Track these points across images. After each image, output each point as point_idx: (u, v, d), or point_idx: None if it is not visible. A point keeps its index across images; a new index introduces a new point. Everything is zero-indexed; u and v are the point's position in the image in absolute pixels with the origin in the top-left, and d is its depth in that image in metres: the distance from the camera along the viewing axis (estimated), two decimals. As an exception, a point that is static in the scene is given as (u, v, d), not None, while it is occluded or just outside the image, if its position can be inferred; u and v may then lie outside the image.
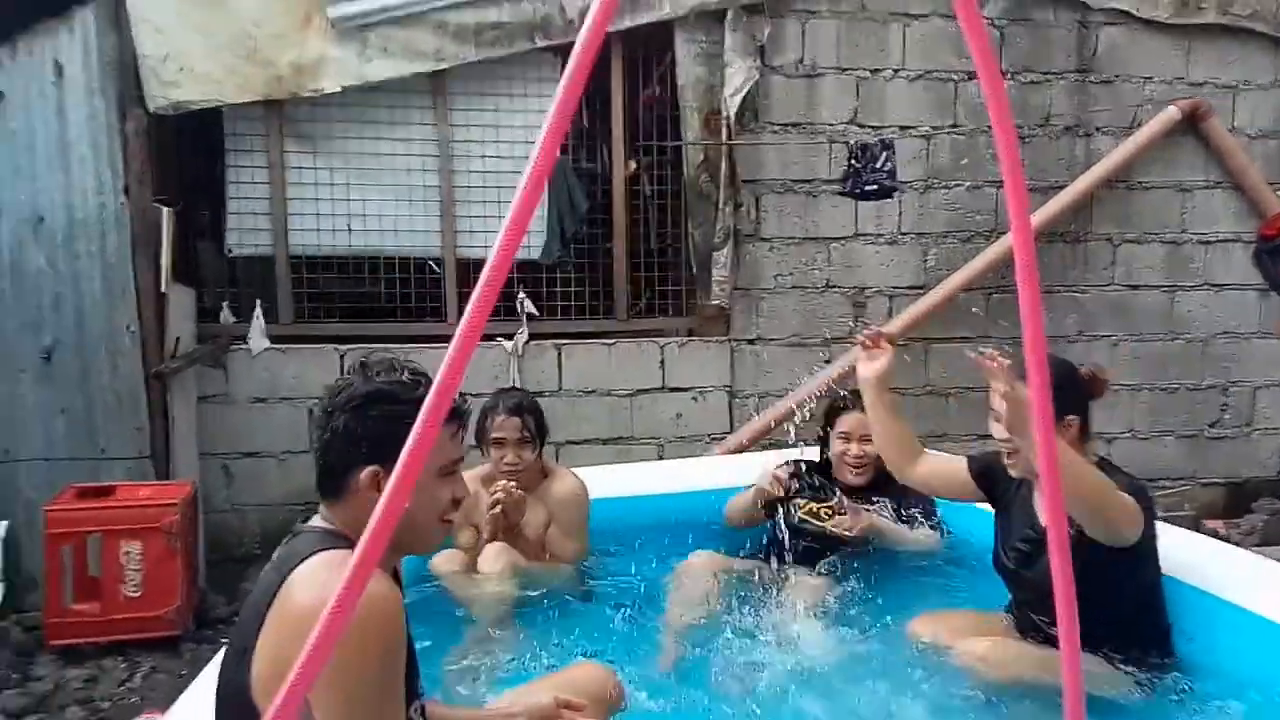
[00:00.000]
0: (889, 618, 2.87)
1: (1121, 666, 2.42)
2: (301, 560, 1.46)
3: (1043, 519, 2.51)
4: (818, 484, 3.37)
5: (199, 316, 4.56)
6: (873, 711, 2.46)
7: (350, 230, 4.72)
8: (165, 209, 4.19)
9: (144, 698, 3.47)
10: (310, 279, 4.77)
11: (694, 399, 5.01)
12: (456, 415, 1.64)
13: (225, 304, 4.65)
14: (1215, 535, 5.02)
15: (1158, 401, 5.46)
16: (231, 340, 4.60)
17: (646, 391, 4.96)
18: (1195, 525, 5.02)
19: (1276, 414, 5.56)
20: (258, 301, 4.60)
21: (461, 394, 1.63)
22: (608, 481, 3.71)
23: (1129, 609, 2.43)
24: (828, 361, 5.04)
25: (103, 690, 3.53)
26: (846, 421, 3.33)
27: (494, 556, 2.93)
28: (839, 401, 3.41)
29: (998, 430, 2.35)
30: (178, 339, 4.26)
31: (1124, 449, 5.43)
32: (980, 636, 2.57)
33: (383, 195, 4.72)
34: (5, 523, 3.97)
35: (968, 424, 5.09)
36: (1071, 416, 2.44)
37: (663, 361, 4.96)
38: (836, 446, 3.35)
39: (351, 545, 1.48)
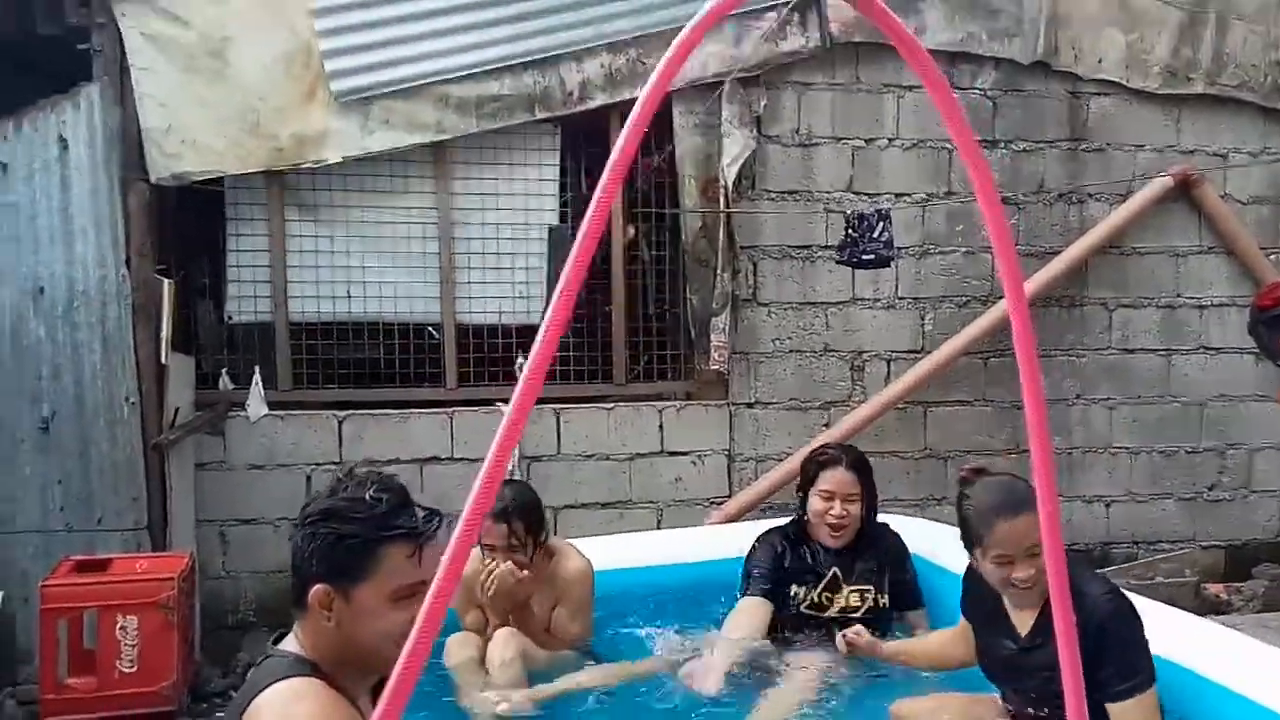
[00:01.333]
0: (880, 701, 2.85)
1: None
2: (266, 686, 1.49)
3: (1022, 629, 2.47)
4: (806, 560, 3.24)
5: (197, 383, 4.57)
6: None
7: (350, 296, 4.74)
8: (166, 281, 4.21)
9: (137, 776, 3.43)
10: (309, 345, 4.78)
11: (693, 463, 5.01)
12: (411, 536, 1.55)
13: (224, 371, 4.65)
14: (1217, 599, 5.02)
15: (1155, 464, 5.47)
16: (230, 407, 4.60)
17: (645, 455, 4.96)
18: (1197, 590, 5.01)
19: (1274, 476, 5.56)
20: (256, 368, 4.61)
21: (429, 512, 1.59)
22: (609, 552, 3.71)
23: None
24: (826, 425, 5.05)
25: (96, 769, 3.48)
26: (831, 479, 3.16)
27: (503, 641, 2.90)
28: (823, 455, 3.26)
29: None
30: (176, 409, 4.26)
31: (1123, 511, 5.43)
32: None
33: (382, 262, 4.75)
34: (0, 594, 3.95)
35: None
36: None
37: (661, 425, 4.97)
38: (816, 505, 3.17)
39: (315, 671, 1.52)
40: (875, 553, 3.31)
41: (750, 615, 3.13)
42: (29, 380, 4.09)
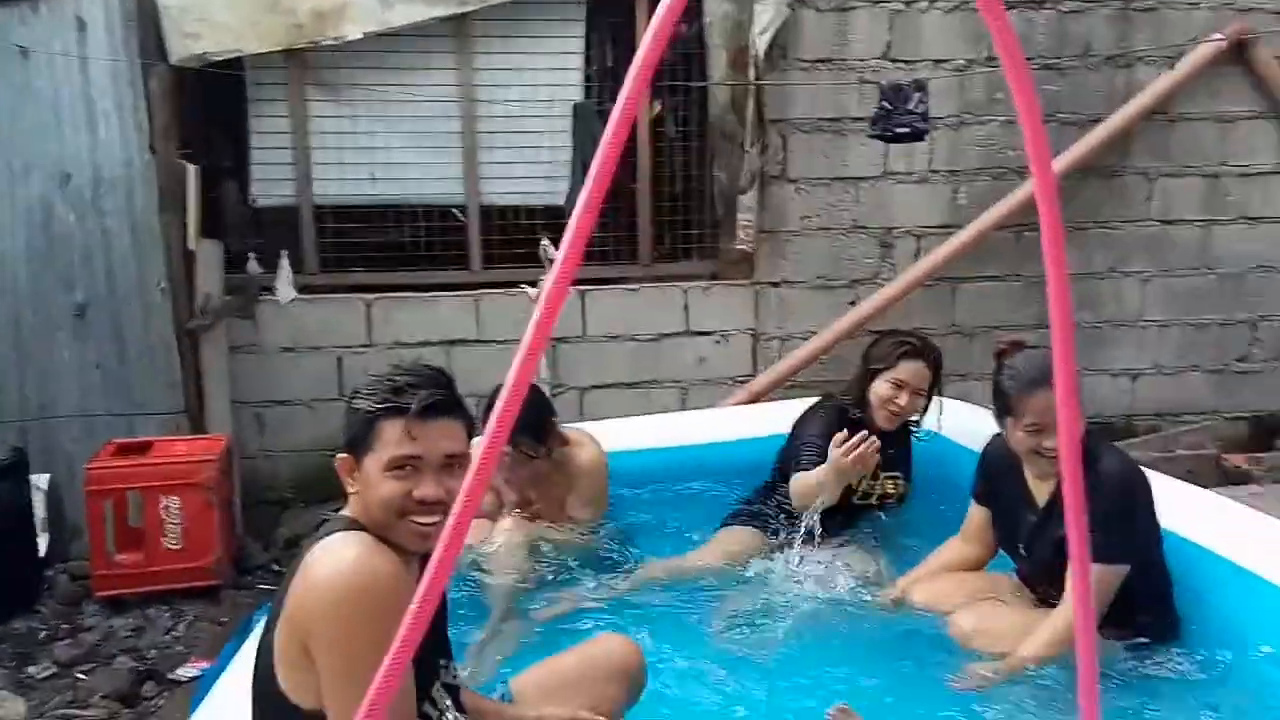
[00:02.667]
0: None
1: (1122, 635, 2.47)
2: (319, 541, 1.63)
3: (1040, 499, 2.55)
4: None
5: (225, 267, 4.58)
6: (869, 684, 2.52)
7: (374, 179, 4.68)
8: (190, 166, 4.17)
9: (189, 646, 3.62)
10: (335, 228, 4.76)
11: (717, 342, 5.01)
12: (400, 412, 1.64)
13: (251, 255, 4.66)
14: (1237, 470, 5.04)
15: (1186, 337, 5.40)
16: (259, 291, 4.63)
17: (670, 336, 4.96)
18: (1218, 461, 5.03)
19: (1308, 347, 5.49)
20: (283, 252, 4.62)
21: (409, 386, 1.67)
22: (627, 434, 3.76)
23: (1129, 579, 2.45)
24: (853, 304, 5.01)
25: (149, 640, 3.66)
26: (909, 370, 3.09)
27: (509, 528, 2.99)
28: (906, 345, 3.15)
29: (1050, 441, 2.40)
30: (207, 294, 4.30)
31: (1149, 384, 5.41)
32: (974, 604, 2.66)
33: (405, 143, 4.66)
34: (47, 476, 4.09)
35: (990, 363, 5.06)
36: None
37: (686, 305, 4.95)
38: (884, 390, 3.09)
39: (365, 530, 1.63)
40: (904, 439, 3.34)
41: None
42: (61, 267, 4.12)
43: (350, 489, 1.70)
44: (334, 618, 1.52)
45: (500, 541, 2.96)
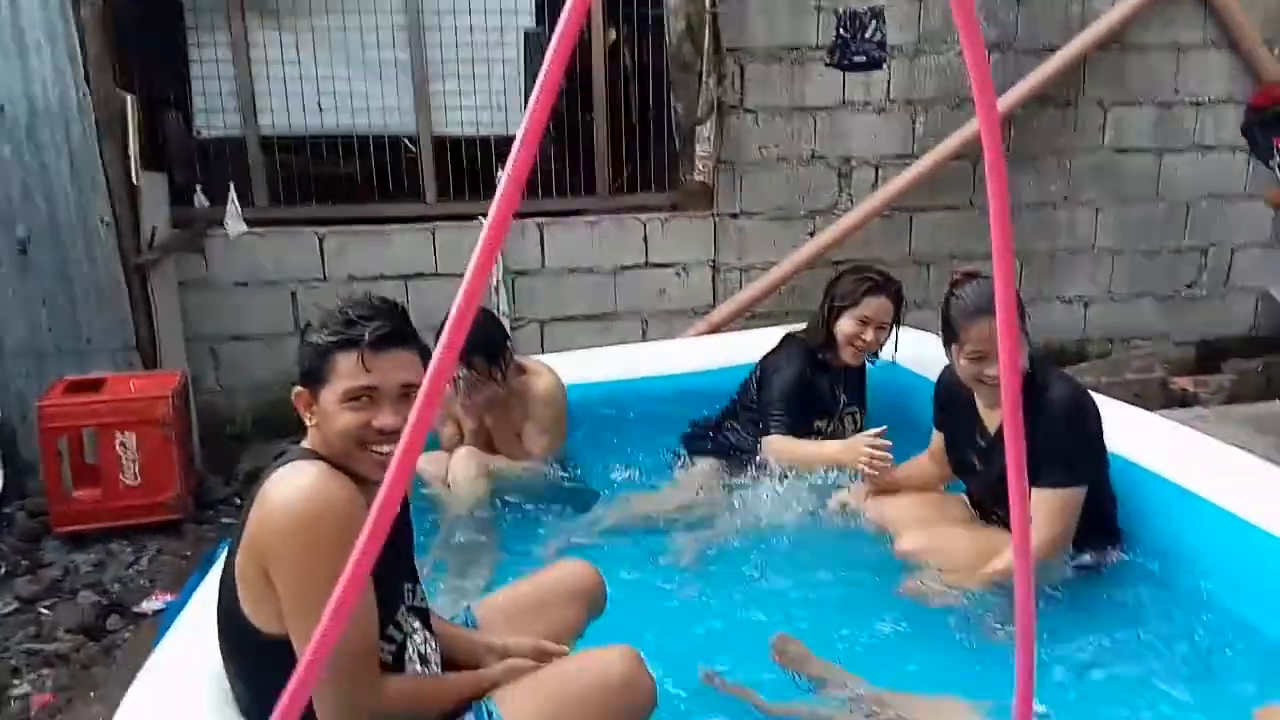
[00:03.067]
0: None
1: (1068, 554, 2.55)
2: (275, 469, 1.65)
3: (990, 426, 2.60)
4: (825, 390, 3.26)
5: (172, 201, 4.48)
6: (823, 602, 2.61)
7: (321, 109, 4.57)
8: (129, 95, 4.04)
9: (153, 580, 3.61)
10: (284, 160, 4.66)
11: (677, 274, 5.01)
12: (354, 343, 1.65)
13: (198, 188, 4.55)
14: (1184, 393, 5.18)
15: (1137, 264, 5.50)
16: (208, 225, 4.54)
17: (629, 268, 4.96)
18: (1165, 384, 5.16)
19: (1253, 274, 5.61)
20: (231, 185, 4.52)
21: (361, 319, 1.67)
22: (588, 366, 3.77)
23: None
24: (811, 234, 5.03)
25: (112, 574, 3.64)
26: (874, 306, 3.13)
27: (463, 459, 3.00)
28: (869, 281, 3.17)
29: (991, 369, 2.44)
30: (154, 228, 4.20)
31: (1100, 310, 5.51)
32: (922, 525, 2.74)
33: (353, 72, 4.55)
34: (-1, 413, 4.03)
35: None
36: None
37: (645, 237, 4.93)
38: (850, 327, 3.13)
39: (320, 459, 1.65)
40: (861, 374, 3.41)
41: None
42: (0, 201, 4.00)
43: (309, 422, 1.71)
44: (293, 543, 1.54)
45: (458, 471, 2.97)
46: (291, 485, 1.58)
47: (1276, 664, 2.12)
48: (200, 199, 4.57)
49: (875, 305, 3.13)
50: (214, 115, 4.54)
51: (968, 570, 2.52)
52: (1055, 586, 2.48)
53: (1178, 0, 5.09)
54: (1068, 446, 2.41)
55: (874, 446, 2.86)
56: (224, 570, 1.70)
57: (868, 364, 3.42)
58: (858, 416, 3.38)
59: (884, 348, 3.27)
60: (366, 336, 1.64)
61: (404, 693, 1.69)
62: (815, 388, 3.23)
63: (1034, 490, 2.38)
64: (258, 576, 1.58)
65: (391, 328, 1.67)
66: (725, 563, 2.82)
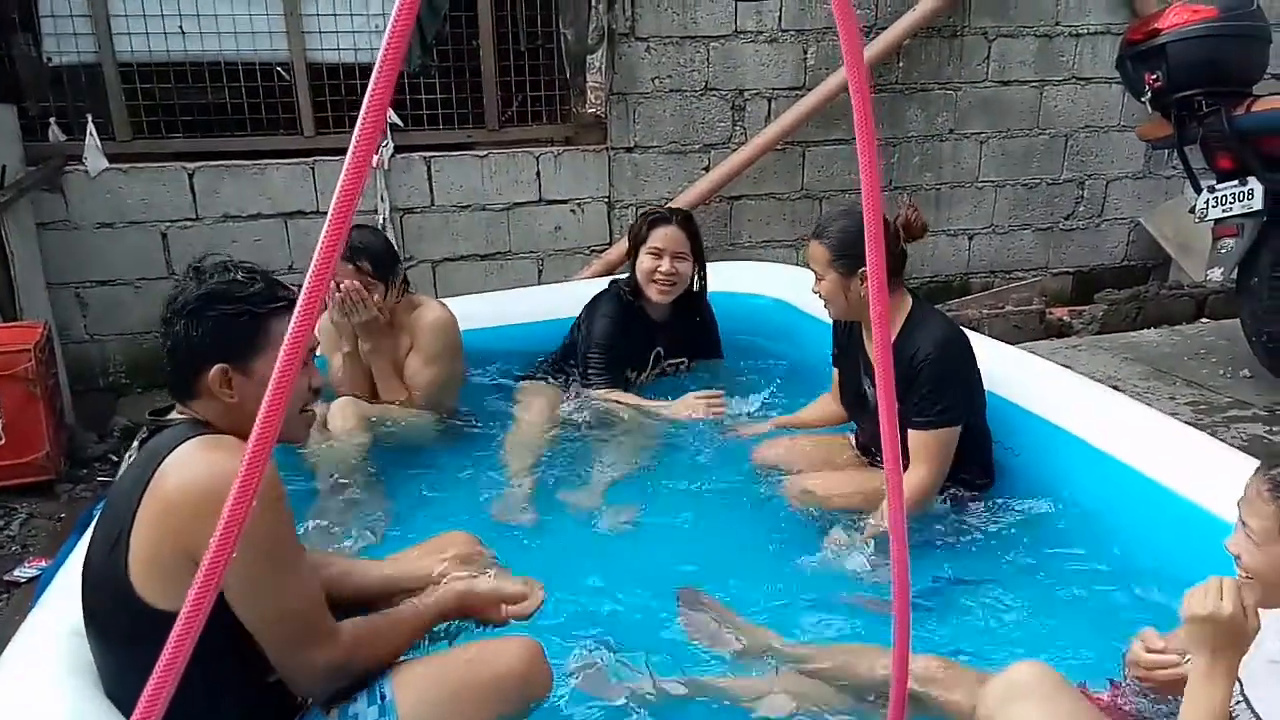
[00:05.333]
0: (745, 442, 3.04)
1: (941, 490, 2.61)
2: (171, 450, 1.53)
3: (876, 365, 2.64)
4: (637, 339, 3.31)
5: (24, 135, 4.14)
6: (721, 539, 2.66)
7: (184, 32, 4.26)
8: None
9: (25, 545, 3.43)
10: (146, 89, 4.34)
11: (572, 211, 4.92)
12: (292, 305, 1.58)
13: (53, 120, 4.21)
14: (1060, 323, 5.41)
15: (1019, 196, 5.66)
16: (65, 161, 4.22)
17: (523, 205, 4.83)
18: (1042, 316, 5.37)
19: (1126, 205, 5.84)
20: (89, 116, 4.20)
21: (268, 281, 1.66)
22: (479, 311, 3.67)
23: None
24: (706, 169, 4.99)
25: (-20, 540, 3.47)
26: (661, 236, 3.18)
27: (341, 410, 2.88)
28: (653, 214, 3.25)
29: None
30: (4, 165, 3.88)
31: (984, 243, 5.67)
32: (813, 468, 2.80)
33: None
34: None
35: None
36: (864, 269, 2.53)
37: (538, 173, 4.81)
38: (646, 263, 3.19)
39: (218, 433, 1.57)
40: (691, 322, 3.42)
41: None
42: None
43: (227, 398, 1.60)
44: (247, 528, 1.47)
45: (336, 422, 2.86)
46: (216, 469, 1.48)
47: (1147, 592, 2.24)
48: (55, 132, 4.24)
49: (662, 234, 3.18)
50: (66, 39, 4.18)
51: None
52: (931, 523, 2.54)
53: (1062, -70, 5.15)
54: (940, 385, 2.46)
55: (706, 399, 3.04)
56: (102, 542, 1.58)
57: (708, 313, 3.47)
58: (684, 365, 3.44)
59: (695, 281, 3.30)
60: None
61: (361, 636, 1.66)
62: (625, 339, 3.27)
63: (911, 434, 2.44)
64: (171, 556, 1.49)
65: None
66: (626, 504, 2.81)
